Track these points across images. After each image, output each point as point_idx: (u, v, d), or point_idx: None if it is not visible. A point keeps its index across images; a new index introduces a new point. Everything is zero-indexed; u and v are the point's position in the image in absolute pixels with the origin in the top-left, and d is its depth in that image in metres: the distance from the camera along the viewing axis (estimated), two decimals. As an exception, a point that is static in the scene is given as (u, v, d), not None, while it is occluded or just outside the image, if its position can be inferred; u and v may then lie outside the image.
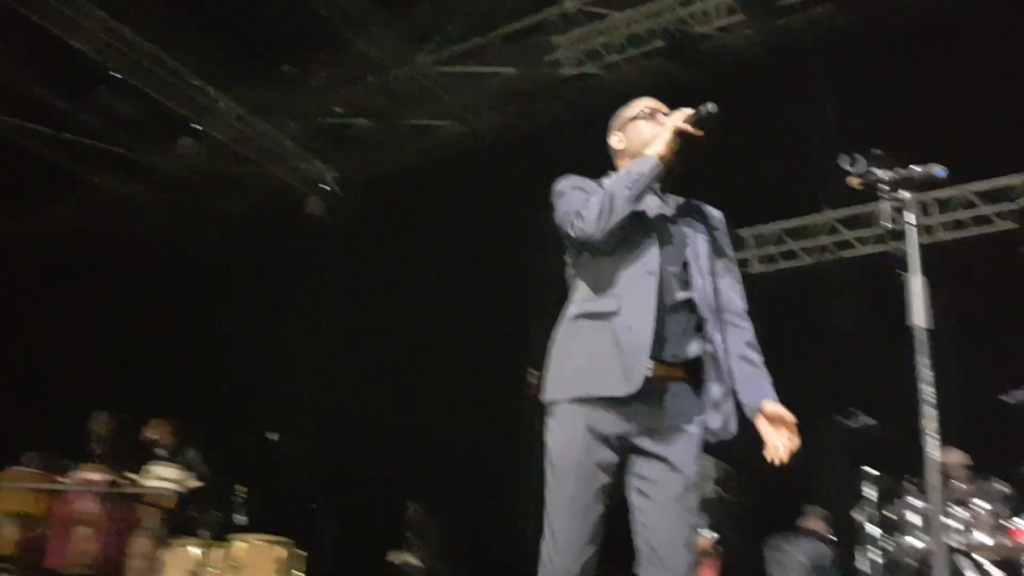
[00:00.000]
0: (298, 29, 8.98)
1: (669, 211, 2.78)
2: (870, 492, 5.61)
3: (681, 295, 2.62)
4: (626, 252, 2.62)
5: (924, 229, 9.31)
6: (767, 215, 10.20)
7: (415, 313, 10.22)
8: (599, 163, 3.02)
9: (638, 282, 2.57)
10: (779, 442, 2.56)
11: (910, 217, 2.44)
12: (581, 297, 2.70)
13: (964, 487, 5.82)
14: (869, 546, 5.55)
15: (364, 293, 10.53)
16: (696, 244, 2.74)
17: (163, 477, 6.29)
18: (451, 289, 10.06)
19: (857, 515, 5.66)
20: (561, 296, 2.86)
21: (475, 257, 9.86)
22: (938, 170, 2.43)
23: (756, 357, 2.71)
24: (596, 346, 2.55)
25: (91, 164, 10.56)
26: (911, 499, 5.31)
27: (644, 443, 2.53)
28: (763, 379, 2.69)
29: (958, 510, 5.11)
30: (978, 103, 7.96)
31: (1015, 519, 5.27)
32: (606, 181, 2.74)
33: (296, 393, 10.27)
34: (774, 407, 2.61)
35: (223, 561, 5.72)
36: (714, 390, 2.60)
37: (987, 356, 7.35)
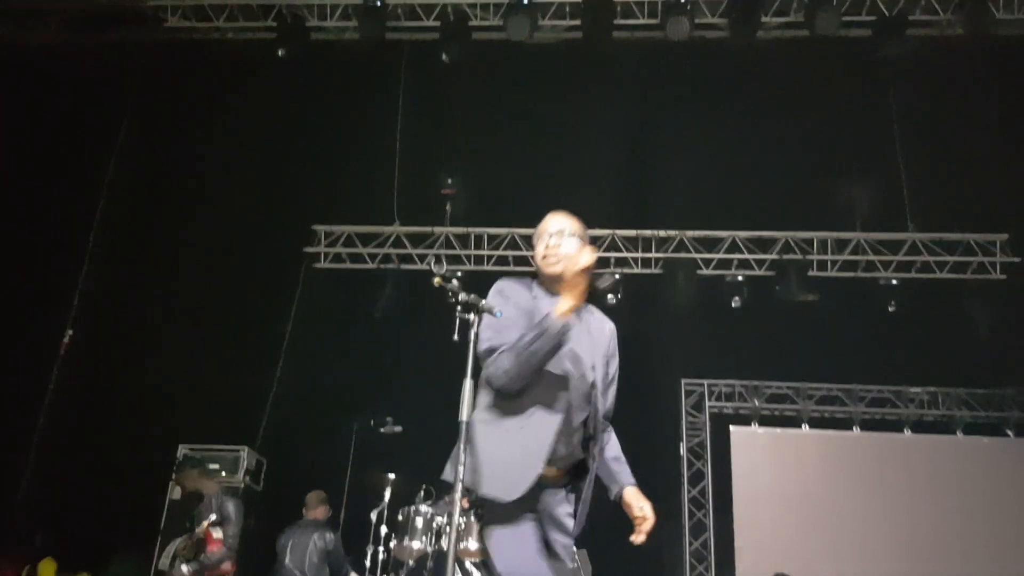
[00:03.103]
0: None
1: (581, 334, 3.05)
2: (388, 495, 6.05)
3: (579, 419, 3.01)
4: (540, 385, 2.94)
5: (475, 259, 10.32)
6: (340, 216, 10.50)
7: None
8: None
9: (545, 419, 2.93)
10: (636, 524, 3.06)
11: (472, 334, 2.87)
12: (494, 404, 3.01)
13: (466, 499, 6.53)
14: (380, 545, 5.96)
15: None
16: (598, 365, 3.06)
17: None
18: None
19: (373, 515, 6.05)
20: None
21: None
22: (497, 311, 2.90)
23: (621, 456, 3.20)
24: (503, 454, 2.92)
25: None
26: (420, 505, 5.81)
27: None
28: (628, 472, 3.17)
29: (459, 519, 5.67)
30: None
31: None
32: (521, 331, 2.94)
33: None
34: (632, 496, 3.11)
35: None
36: (584, 492, 3.05)
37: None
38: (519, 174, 9.42)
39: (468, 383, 2.79)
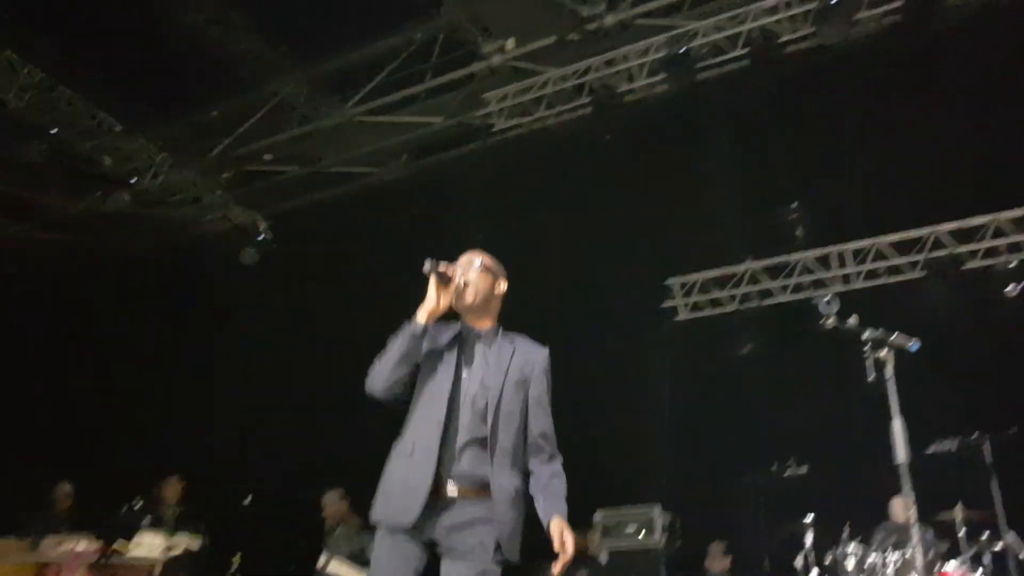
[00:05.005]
0: (213, 77, 8.97)
1: (478, 354, 3.12)
2: (808, 539, 5.72)
3: (473, 435, 2.95)
4: (426, 396, 3.03)
5: (843, 279, 9.69)
6: (692, 265, 10.43)
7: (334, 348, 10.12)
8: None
9: (429, 429, 2.94)
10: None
11: (889, 371, 2.65)
12: (402, 431, 3.06)
13: (901, 533, 5.98)
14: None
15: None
16: (500, 385, 3.03)
17: (150, 544, 6.31)
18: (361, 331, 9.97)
19: (798, 562, 5.75)
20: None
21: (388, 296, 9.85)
22: (912, 344, 2.66)
23: (556, 486, 3.00)
24: (393, 484, 2.95)
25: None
26: (848, 546, 5.42)
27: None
28: (556, 503, 2.96)
29: (895, 555, 5.22)
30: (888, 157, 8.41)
31: (949, 562, 5.44)
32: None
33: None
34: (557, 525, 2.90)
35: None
36: (503, 515, 2.90)
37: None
38: (861, 183, 8.73)
39: (898, 422, 2.62)
